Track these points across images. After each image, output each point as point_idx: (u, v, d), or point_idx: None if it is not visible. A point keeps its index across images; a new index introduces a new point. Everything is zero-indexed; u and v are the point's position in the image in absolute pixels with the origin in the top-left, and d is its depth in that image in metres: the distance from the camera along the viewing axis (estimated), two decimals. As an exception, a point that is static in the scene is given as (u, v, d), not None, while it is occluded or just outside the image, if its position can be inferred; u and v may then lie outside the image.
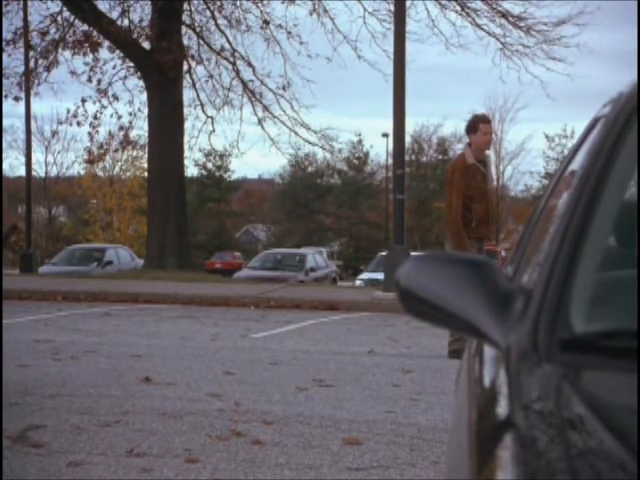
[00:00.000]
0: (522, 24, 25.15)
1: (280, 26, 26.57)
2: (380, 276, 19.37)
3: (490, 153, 9.09)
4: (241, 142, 40.75)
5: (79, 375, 7.37)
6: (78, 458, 4.75)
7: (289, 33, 26.32)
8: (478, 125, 8.79)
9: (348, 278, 39.82)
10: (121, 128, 27.71)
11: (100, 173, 55.11)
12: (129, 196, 53.36)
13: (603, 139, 1.96)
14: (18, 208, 53.55)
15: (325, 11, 26.45)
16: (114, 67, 26.63)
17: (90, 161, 32.48)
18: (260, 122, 27.88)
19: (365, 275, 28.51)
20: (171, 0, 25.04)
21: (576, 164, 2.17)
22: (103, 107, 26.67)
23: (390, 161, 32.11)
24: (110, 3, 26.29)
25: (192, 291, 16.29)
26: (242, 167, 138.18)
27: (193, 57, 27.27)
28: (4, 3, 24.24)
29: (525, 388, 1.56)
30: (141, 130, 28.65)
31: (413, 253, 14.11)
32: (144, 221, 36.30)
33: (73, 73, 26.40)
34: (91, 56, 26.02)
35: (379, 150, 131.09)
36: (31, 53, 25.39)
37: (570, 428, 1.37)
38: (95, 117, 26.95)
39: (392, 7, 19.83)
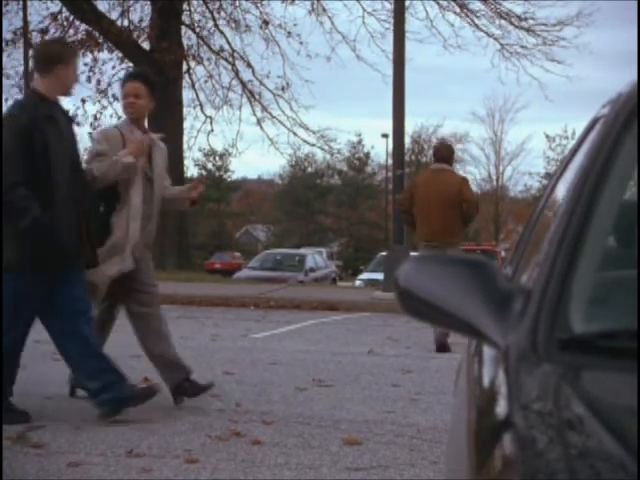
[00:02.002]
0: (523, 24, 25.17)
1: (279, 26, 26.61)
2: (380, 276, 19.37)
3: None
4: (240, 142, 40.76)
5: (79, 375, 7.36)
6: (78, 458, 4.75)
7: (289, 33, 26.35)
8: None
9: (348, 278, 39.81)
10: (121, 128, 27.69)
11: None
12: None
13: (602, 139, 1.96)
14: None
15: (324, 10, 26.48)
16: (113, 67, 26.66)
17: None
18: (259, 122, 27.91)
19: (365, 275, 28.52)
20: (170, 0, 25.04)
21: (575, 164, 2.17)
22: (103, 107, 26.70)
23: (390, 161, 32.13)
24: (110, 3, 26.32)
25: (192, 291, 16.29)
26: (242, 167, 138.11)
27: (193, 57, 27.28)
28: (4, 3, 24.25)
29: (524, 388, 1.56)
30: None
31: (413, 253, 14.12)
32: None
33: (72, 74, 26.38)
34: (90, 56, 26.03)
35: (379, 150, 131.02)
36: (30, 52, 25.39)
37: (569, 428, 1.37)
38: (95, 117, 26.97)
39: (392, 7, 19.85)
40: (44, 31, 26.08)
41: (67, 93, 5.87)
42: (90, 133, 27.49)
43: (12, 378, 5.76)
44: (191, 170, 52.38)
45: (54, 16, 26.15)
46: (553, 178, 2.67)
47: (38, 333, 10.28)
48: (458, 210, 9.40)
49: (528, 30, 25.13)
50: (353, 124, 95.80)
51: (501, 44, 25.69)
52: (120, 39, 25.01)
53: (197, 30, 27.34)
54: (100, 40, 25.72)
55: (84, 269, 5.77)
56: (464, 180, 9.83)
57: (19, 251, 5.45)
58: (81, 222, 5.65)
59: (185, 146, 27.49)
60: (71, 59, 5.75)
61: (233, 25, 26.74)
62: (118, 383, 5.68)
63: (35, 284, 5.52)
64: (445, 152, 9.91)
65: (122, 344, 9.53)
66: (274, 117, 27.81)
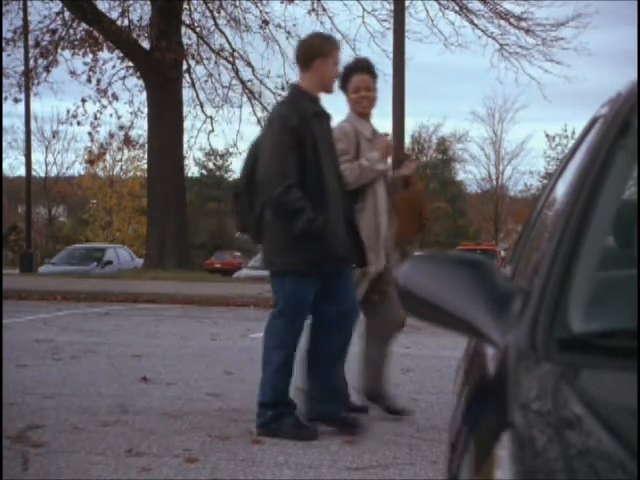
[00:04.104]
0: (522, 24, 25.18)
1: (279, 26, 26.61)
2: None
3: None
4: (240, 142, 40.75)
5: (79, 375, 7.37)
6: (77, 458, 4.75)
7: (288, 33, 26.35)
8: None
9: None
10: (121, 128, 27.74)
11: (100, 173, 55.12)
12: (129, 196, 53.37)
13: (602, 139, 1.96)
14: (18, 208, 53.57)
15: (324, 10, 26.48)
16: (113, 67, 26.66)
17: (91, 161, 32.49)
18: (259, 122, 27.88)
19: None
20: (170, 0, 25.05)
21: (575, 164, 2.17)
22: (103, 107, 26.68)
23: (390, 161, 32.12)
24: (110, 3, 26.32)
25: (192, 291, 16.29)
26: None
27: (192, 57, 27.28)
28: (4, 3, 24.24)
29: (523, 387, 1.56)
30: (141, 130, 28.68)
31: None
32: (144, 221, 36.31)
33: (73, 73, 26.43)
34: (90, 56, 26.04)
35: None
36: (31, 52, 25.40)
37: (568, 427, 1.38)
38: (95, 117, 26.96)
39: (391, 6, 19.85)
40: (53, 31, 26.07)
41: (328, 89, 5.54)
42: (90, 133, 27.52)
43: (286, 389, 5.42)
44: (192, 170, 52.38)
45: (58, 14, 26.15)
46: (552, 177, 2.67)
47: (38, 332, 10.30)
48: (418, 214, 12.00)
49: (527, 31, 25.13)
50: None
51: (500, 44, 25.70)
52: (120, 38, 25.01)
53: (197, 29, 27.34)
54: (100, 40, 25.72)
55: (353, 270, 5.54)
56: (424, 193, 13.22)
57: (295, 254, 5.21)
58: (351, 222, 5.45)
59: (185, 146, 27.49)
60: (331, 52, 5.44)
61: (233, 24, 26.75)
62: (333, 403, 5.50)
63: (310, 287, 5.31)
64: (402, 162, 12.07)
65: (122, 344, 9.55)
66: (274, 116, 27.77)
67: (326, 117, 5.49)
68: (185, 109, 26.91)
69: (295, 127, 5.21)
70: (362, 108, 5.93)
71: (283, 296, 5.33)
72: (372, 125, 6.07)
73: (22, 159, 57.25)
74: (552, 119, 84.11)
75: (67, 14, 26.04)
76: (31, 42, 25.46)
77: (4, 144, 37.58)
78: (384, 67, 24.06)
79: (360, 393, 6.09)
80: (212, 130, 28.33)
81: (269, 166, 5.21)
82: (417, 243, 12.13)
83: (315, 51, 5.40)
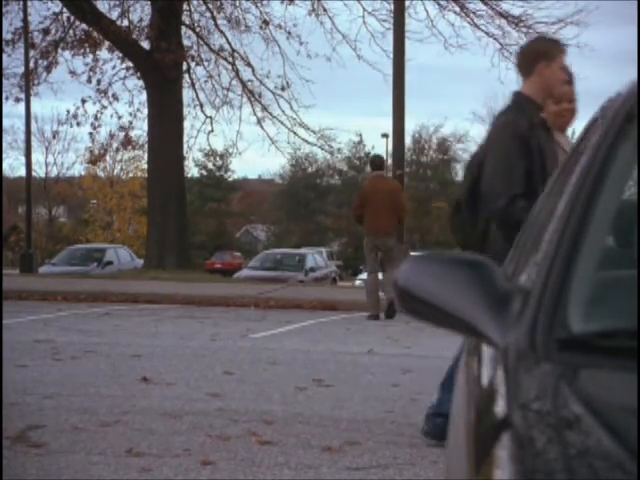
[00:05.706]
0: (521, 25, 25.17)
1: (279, 26, 26.61)
2: (380, 276, 19.34)
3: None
4: (240, 142, 40.69)
5: (79, 375, 7.37)
6: (77, 458, 4.75)
7: (288, 33, 26.35)
8: None
9: (348, 278, 39.80)
10: (121, 128, 27.73)
11: (101, 173, 55.11)
12: (130, 196, 53.37)
13: (601, 139, 1.96)
14: (18, 208, 53.56)
15: (324, 10, 26.47)
16: (113, 67, 26.66)
17: (92, 161, 32.50)
18: (259, 122, 27.90)
19: (365, 275, 28.49)
20: (171, 0, 25.05)
21: (575, 164, 2.17)
22: (103, 107, 26.68)
23: (390, 161, 32.02)
24: (110, 3, 26.32)
25: (192, 291, 16.29)
26: (242, 167, 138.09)
27: (192, 57, 27.27)
28: (4, 3, 24.24)
29: (523, 388, 1.56)
30: (140, 130, 28.68)
31: (412, 253, 14.23)
32: (144, 221, 36.31)
33: (73, 73, 26.43)
34: (91, 56, 26.04)
35: (379, 150, 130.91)
36: (31, 53, 25.40)
37: (567, 428, 1.38)
38: (95, 117, 26.96)
39: (391, 7, 19.85)
40: (46, 31, 26.09)
41: (554, 95, 5.11)
42: (90, 133, 27.52)
43: None
44: (192, 170, 52.31)
45: (56, 15, 26.16)
46: (552, 177, 2.67)
47: (38, 333, 10.30)
48: (396, 210, 12.82)
49: (527, 31, 25.10)
50: (353, 124, 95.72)
51: (501, 44, 25.69)
52: (120, 39, 25.01)
53: (197, 30, 27.34)
54: (100, 40, 25.73)
55: None
56: (401, 190, 13.55)
57: None
58: None
59: (185, 146, 27.49)
60: (557, 56, 5.00)
61: (235, 25, 26.74)
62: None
63: None
64: (380, 163, 13.56)
65: (122, 344, 9.55)
66: (274, 117, 27.81)
67: (549, 128, 5.09)
68: (185, 109, 26.92)
69: (524, 134, 4.86)
70: (563, 121, 5.40)
71: None
72: (569, 138, 5.58)
73: (22, 159, 57.13)
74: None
75: (66, 14, 26.04)
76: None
77: (4, 144, 37.56)
78: (385, 67, 24.15)
79: None
80: (212, 130, 28.35)
81: (495, 176, 4.87)
82: (394, 237, 13.05)
83: (539, 54, 5.03)
